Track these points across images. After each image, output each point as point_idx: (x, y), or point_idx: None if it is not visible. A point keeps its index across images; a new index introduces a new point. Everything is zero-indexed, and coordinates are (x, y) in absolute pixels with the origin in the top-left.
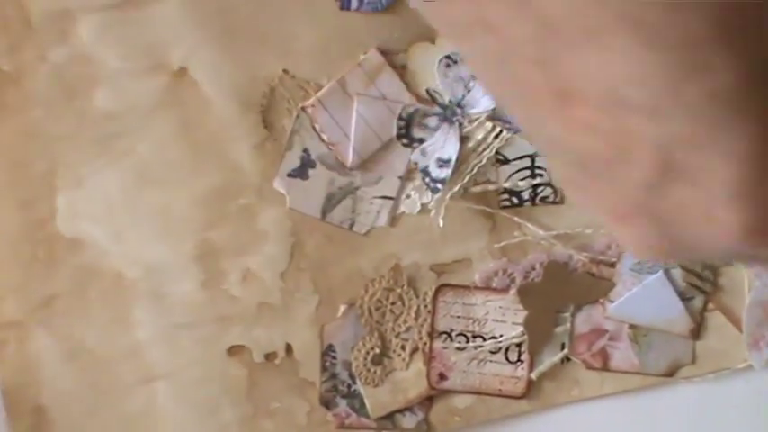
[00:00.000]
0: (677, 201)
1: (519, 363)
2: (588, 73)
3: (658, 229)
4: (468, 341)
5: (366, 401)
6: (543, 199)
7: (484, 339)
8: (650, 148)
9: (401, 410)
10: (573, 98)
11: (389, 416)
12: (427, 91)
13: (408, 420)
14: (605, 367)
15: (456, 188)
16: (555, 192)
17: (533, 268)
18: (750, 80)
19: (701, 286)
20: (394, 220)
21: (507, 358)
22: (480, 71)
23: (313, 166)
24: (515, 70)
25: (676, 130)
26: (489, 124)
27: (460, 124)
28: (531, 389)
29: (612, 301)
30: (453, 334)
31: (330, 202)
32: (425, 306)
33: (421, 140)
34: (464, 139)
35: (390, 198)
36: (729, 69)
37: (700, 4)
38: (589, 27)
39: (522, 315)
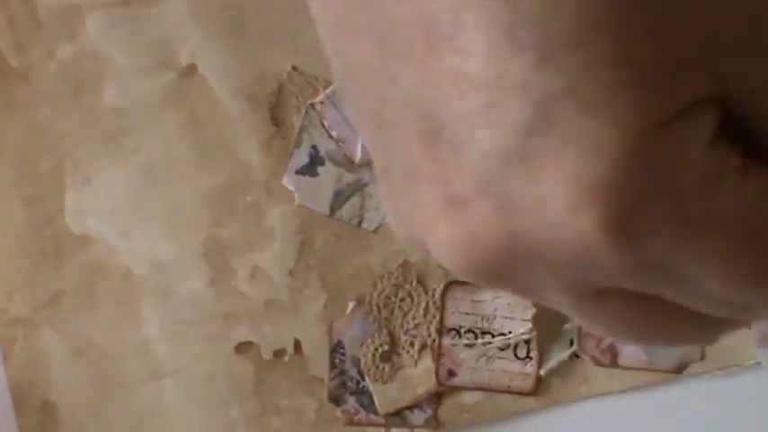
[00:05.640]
0: (538, 174)
1: (528, 359)
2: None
3: (499, 216)
4: (476, 338)
5: (375, 398)
6: None
7: (493, 336)
8: (527, 99)
9: (410, 407)
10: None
11: (398, 412)
12: None
13: (417, 417)
14: (614, 364)
15: None
16: None
17: None
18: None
19: None
20: None
21: (516, 355)
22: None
23: (322, 163)
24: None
25: (564, 82)
26: None
27: None
28: (539, 385)
29: None
30: (462, 331)
31: (339, 198)
32: (434, 303)
33: None
34: None
35: None
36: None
37: None
38: None
39: (530, 312)
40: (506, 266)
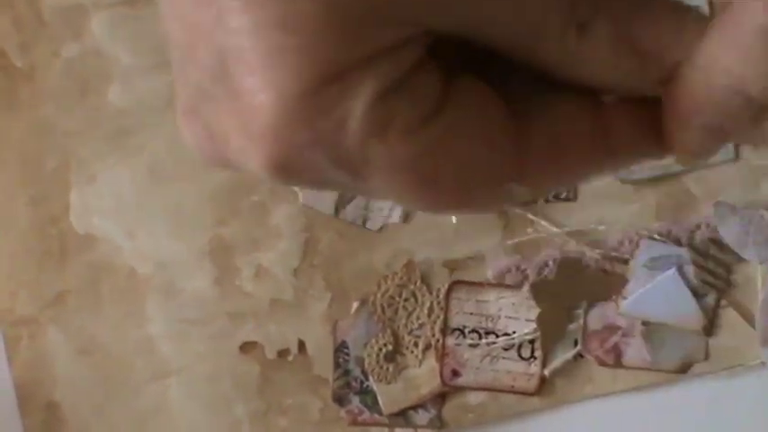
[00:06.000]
0: (220, 114)
1: (532, 359)
2: None
3: (206, 135)
4: (481, 338)
5: (379, 398)
6: (556, 196)
7: (497, 336)
8: (211, 47)
9: (414, 407)
10: None
11: (402, 412)
12: None
13: (421, 417)
14: (618, 364)
15: None
16: (568, 189)
17: (546, 265)
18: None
19: (714, 283)
20: (407, 216)
21: (520, 355)
22: None
23: None
24: None
25: (234, 42)
26: None
27: None
28: (543, 385)
29: (626, 298)
30: (466, 330)
31: (343, 198)
32: (438, 303)
33: None
34: None
35: None
36: None
37: None
38: None
39: (534, 312)
40: (227, 168)
